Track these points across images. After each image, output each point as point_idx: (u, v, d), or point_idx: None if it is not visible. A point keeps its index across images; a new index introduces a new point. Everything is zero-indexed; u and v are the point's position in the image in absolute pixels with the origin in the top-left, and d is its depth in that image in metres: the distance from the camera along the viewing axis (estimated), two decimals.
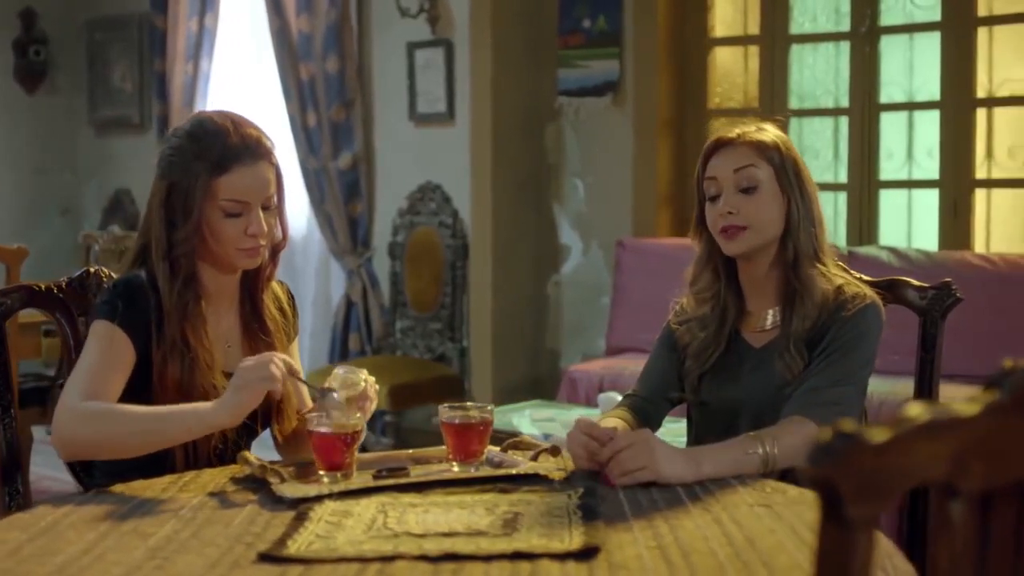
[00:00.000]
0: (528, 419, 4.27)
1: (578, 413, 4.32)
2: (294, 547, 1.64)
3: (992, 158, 4.87)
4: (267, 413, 2.32)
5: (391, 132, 6.12)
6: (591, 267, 5.76)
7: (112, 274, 2.64)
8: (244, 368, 2.08)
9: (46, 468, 4.46)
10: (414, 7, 5.82)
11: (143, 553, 1.65)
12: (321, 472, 2.06)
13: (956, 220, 4.86)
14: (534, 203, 5.82)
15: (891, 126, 5.07)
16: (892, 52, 5.06)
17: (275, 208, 2.33)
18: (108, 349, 2.19)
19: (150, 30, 6.95)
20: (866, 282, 2.47)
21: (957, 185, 4.86)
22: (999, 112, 4.86)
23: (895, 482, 1.02)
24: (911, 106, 5.05)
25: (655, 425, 2.45)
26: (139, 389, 2.24)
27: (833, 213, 5.15)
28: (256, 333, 2.39)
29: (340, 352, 6.19)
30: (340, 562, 1.57)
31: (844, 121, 5.17)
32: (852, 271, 2.49)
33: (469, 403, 2.19)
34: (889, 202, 5.10)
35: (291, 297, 2.51)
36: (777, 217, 2.37)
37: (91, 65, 7.52)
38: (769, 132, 2.43)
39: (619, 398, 4.01)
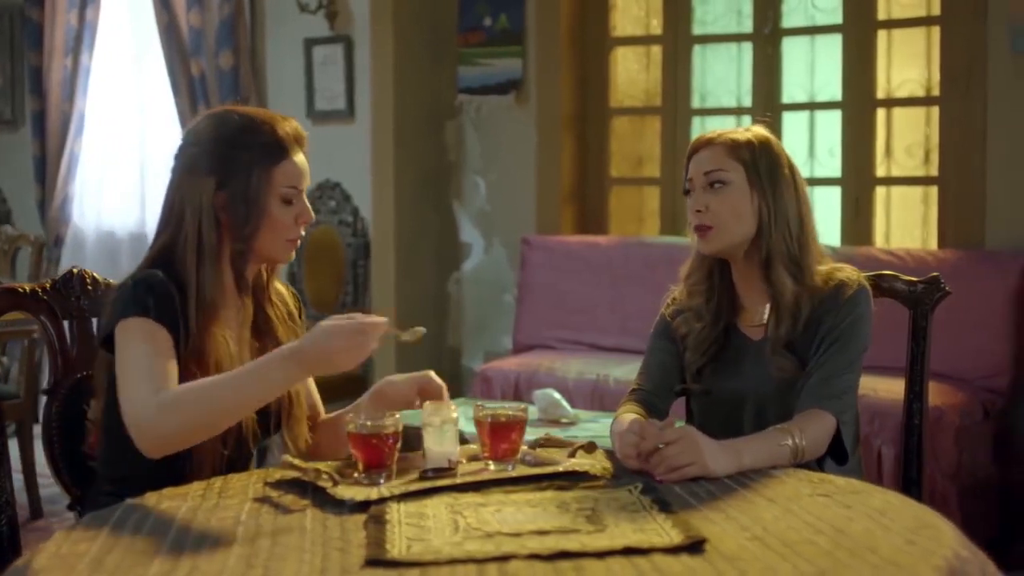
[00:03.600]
0: (463, 417, 4.25)
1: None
2: (395, 551, 1.62)
3: (891, 156, 5.05)
4: (278, 416, 2.30)
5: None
6: (493, 265, 5.77)
7: (94, 274, 2.56)
8: (339, 334, 1.99)
9: None
10: (313, 3, 5.74)
11: (237, 562, 1.60)
12: (362, 473, 2.03)
13: (858, 217, 5.02)
14: (434, 201, 5.81)
15: (793, 125, 5.21)
16: (794, 53, 5.20)
17: None
18: (153, 341, 2.11)
19: (23, 22, 6.69)
20: None
21: (858, 183, 5.02)
22: (897, 112, 5.04)
23: None
24: (813, 106, 5.20)
25: (663, 418, 2.47)
26: None
27: None
28: (264, 332, 2.34)
29: None
30: (455, 564, 1.56)
31: (747, 120, 5.28)
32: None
33: (501, 402, 2.18)
34: None
35: (296, 299, 2.47)
36: (748, 215, 2.40)
37: None
38: (749, 132, 2.46)
39: (556, 395, 4.09)
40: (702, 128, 5.46)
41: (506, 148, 5.66)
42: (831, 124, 5.09)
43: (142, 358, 2.08)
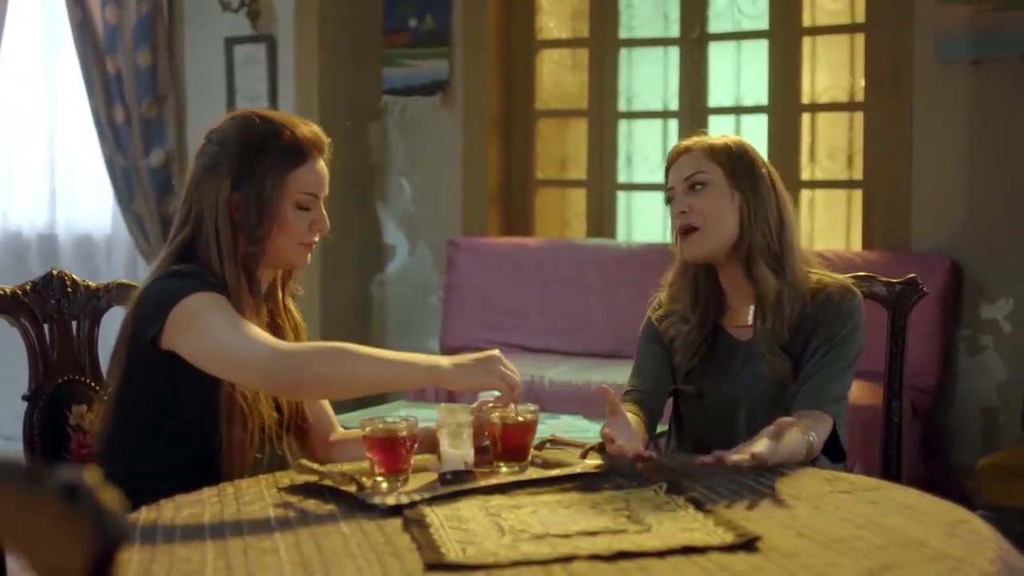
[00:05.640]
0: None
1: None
2: (451, 554, 1.60)
3: (815, 160, 5.16)
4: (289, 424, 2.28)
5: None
6: (418, 267, 5.75)
7: (74, 277, 2.50)
8: (497, 358, 2.10)
9: None
10: (235, 1, 5.64)
11: (294, 570, 1.57)
12: (380, 477, 2.01)
13: None
14: (358, 203, 5.76)
15: (719, 130, 5.28)
16: (720, 58, 5.27)
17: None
18: (225, 307, 2.09)
19: None
20: None
21: (785, 186, 5.09)
22: (821, 117, 5.15)
23: None
24: (739, 110, 5.28)
25: (658, 417, 2.49)
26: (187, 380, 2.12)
27: (662, 214, 5.32)
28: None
29: None
30: (519, 566, 1.55)
31: (673, 124, 5.36)
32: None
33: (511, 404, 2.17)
34: None
35: (299, 312, 2.44)
36: (729, 215, 2.44)
37: None
38: (726, 137, 2.53)
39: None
40: (629, 131, 5.52)
41: (431, 149, 5.64)
42: (757, 128, 5.17)
43: (230, 321, 2.06)
